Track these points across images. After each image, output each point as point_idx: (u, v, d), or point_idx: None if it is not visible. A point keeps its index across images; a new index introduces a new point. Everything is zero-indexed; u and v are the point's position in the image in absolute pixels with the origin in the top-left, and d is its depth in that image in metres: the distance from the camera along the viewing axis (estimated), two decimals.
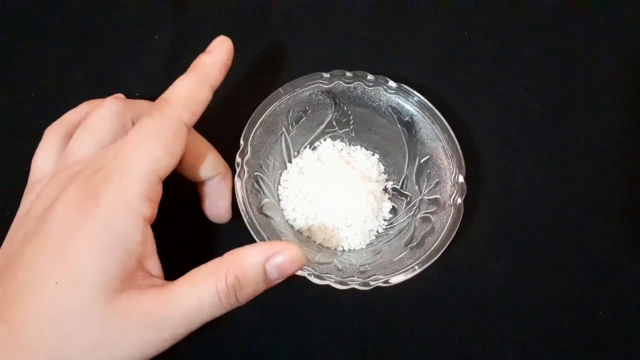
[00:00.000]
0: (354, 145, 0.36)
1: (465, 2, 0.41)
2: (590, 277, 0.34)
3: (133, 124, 0.30)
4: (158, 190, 0.26)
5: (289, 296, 0.32)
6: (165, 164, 0.26)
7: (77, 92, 0.35)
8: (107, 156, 0.26)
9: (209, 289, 0.24)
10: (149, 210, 0.25)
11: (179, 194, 0.27)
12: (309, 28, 0.40)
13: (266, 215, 0.31)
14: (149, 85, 0.37)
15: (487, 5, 0.41)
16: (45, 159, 0.30)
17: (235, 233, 0.32)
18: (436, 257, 0.29)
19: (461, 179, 0.32)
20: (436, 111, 0.33)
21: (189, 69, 0.29)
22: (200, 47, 0.39)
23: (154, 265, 0.26)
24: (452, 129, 0.33)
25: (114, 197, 0.24)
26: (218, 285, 0.24)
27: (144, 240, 0.25)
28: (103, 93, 0.35)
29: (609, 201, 0.36)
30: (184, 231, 0.32)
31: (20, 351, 0.22)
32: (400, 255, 0.30)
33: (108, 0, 0.40)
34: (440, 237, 0.30)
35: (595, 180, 0.37)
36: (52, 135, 0.31)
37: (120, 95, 0.35)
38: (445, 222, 0.31)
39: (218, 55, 0.29)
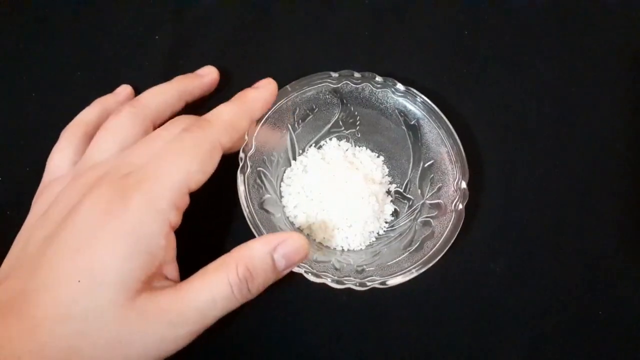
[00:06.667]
0: (359, 146, 0.36)
1: (470, 3, 0.41)
2: (590, 277, 0.34)
3: (153, 127, 0.30)
4: (186, 200, 0.27)
5: (287, 295, 0.32)
6: (197, 179, 0.27)
7: (77, 92, 0.35)
8: (136, 161, 0.26)
9: (220, 282, 0.25)
10: (176, 217, 0.26)
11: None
12: (310, 28, 0.40)
13: (267, 211, 0.31)
14: (149, 85, 0.37)
15: (490, 7, 0.41)
16: (62, 159, 0.30)
17: (237, 235, 0.32)
18: (434, 262, 0.29)
19: (464, 184, 0.32)
20: (442, 115, 0.33)
21: (234, 98, 0.30)
22: (201, 47, 0.39)
23: (172, 270, 0.26)
24: (458, 134, 0.33)
25: (145, 202, 0.25)
26: (230, 278, 0.25)
27: (167, 245, 0.25)
28: (103, 93, 0.35)
29: (609, 202, 0.36)
30: (188, 235, 0.32)
31: (38, 347, 0.23)
32: (399, 258, 0.30)
33: (109, 0, 0.40)
34: (440, 241, 0.30)
35: (596, 184, 0.36)
36: (70, 136, 0.31)
37: (129, 88, 0.35)
38: (445, 227, 0.31)
39: (263, 93, 0.31)
